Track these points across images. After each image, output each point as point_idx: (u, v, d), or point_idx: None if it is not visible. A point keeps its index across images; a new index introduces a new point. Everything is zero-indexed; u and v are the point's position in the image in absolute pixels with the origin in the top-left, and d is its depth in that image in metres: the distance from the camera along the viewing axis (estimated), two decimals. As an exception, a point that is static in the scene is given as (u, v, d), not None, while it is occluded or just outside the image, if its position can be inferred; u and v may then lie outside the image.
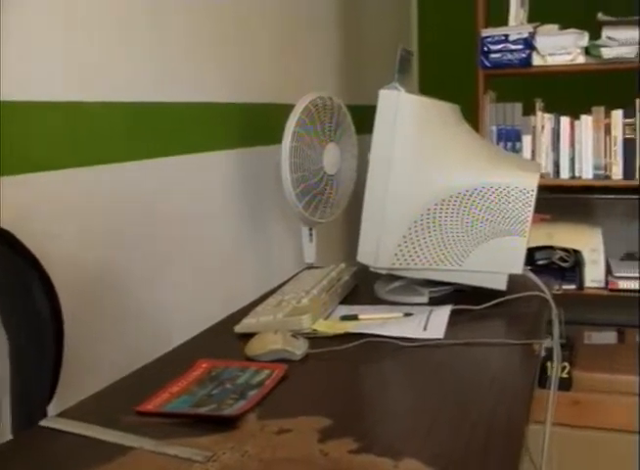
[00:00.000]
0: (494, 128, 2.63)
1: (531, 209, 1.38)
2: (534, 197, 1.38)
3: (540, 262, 2.52)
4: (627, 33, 2.51)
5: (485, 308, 1.36)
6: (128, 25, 1.40)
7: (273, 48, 1.99)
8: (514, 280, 1.42)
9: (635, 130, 2.52)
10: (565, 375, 2.47)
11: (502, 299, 1.37)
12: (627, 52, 2.50)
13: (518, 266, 1.39)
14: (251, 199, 1.86)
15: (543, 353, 2.54)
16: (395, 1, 3.47)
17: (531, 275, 1.42)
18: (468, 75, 2.69)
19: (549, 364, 2.48)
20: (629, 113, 2.53)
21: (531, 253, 2.52)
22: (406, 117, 1.37)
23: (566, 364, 2.47)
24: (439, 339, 1.21)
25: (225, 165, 1.73)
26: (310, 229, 1.82)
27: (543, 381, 2.48)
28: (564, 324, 2.71)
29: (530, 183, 1.38)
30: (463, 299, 1.40)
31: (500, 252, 1.39)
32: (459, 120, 1.52)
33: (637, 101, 2.53)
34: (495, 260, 1.39)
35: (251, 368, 1.10)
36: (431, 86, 3.62)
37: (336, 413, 0.96)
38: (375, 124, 1.39)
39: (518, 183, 1.37)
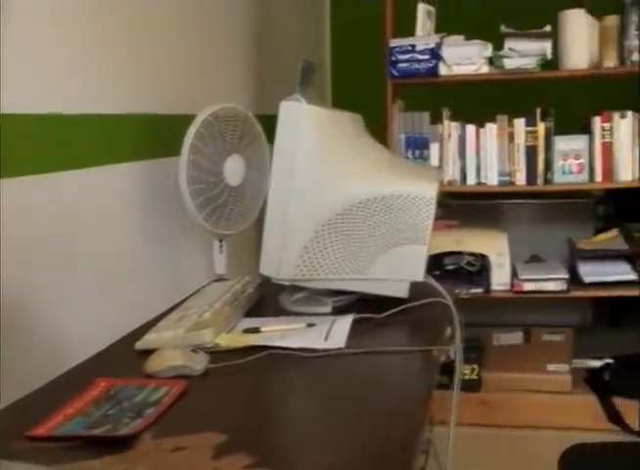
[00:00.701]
0: (403, 136, 2.68)
1: (431, 217, 1.41)
2: (434, 205, 1.41)
3: (449, 268, 2.58)
4: (528, 45, 2.61)
5: (388, 316, 1.38)
6: (25, 34, 1.36)
7: (182, 59, 1.97)
8: (418, 287, 1.45)
9: (537, 138, 2.61)
10: (474, 376, 2.53)
11: (403, 306, 1.40)
12: (528, 63, 2.60)
13: (419, 274, 1.42)
14: (160, 211, 1.83)
15: (453, 356, 2.60)
16: (309, 13, 3.50)
17: (433, 282, 1.45)
18: (379, 85, 2.74)
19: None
20: (531, 121, 2.63)
21: (440, 258, 2.58)
22: (307, 128, 1.39)
23: (475, 366, 2.54)
24: (340, 348, 1.22)
25: (134, 177, 1.71)
26: (221, 240, 1.81)
27: (454, 383, 2.54)
28: (471, 327, 2.78)
29: (430, 192, 1.41)
30: (366, 307, 1.42)
31: (401, 260, 1.41)
32: (361, 131, 1.54)
33: (538, 110, 2.63)
34: (397, 269, 1.41)
35: (149, 386, 1.09)
36: (344, 96, 3.67)
37: (234, 428, 0.96)
38: (276, 136, 1.40)
39: (418, 192, 1.40)
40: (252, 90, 2.58)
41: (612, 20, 2.59)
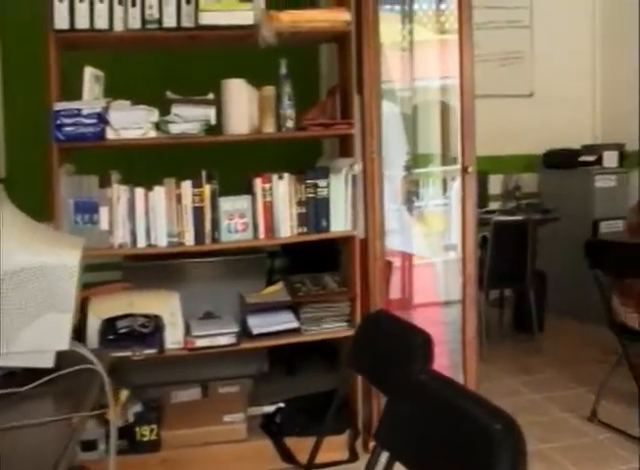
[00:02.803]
0: (71, 201, 2.65)
1: (75, 284, 1.43)
2: (77, 273, 1.43)
3: (122, 331, 2.57)
4: (193, 111, 2.75)
5: (33, 389, 1.36)
6: None
7: None
8: (73, 355, 1.45)
9: (203, 199, 2.74)
10: (153, 437, 2.54)
11: (49, 377, 1.38)
12: (192, 128, 2.73)
13: (64, 343, 1.42)
14: None
15: (132, 419, 2.61)
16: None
17: (82, 349, 1.46)
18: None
19: (138, 429, 2.55)
20: (197, 183, 2.75)
21: (113, 322, 2.57)
22: None
23: (154, 426, 2.55)
24: (-27, 429, 1.18)
25: None
26: None
27: (134, 446, 2.55)
28: (149, 388, 2.81)
29: (72, 260, 1.43)
30: (12, 381, 1.38)
31: (46, 330, 1.41)
32: (2, 201, 1.52)
33: (203, 173, 2.77)
34: (41, 339, 1.40)
35: None
36: (18, 161, 3.54)
37: None
38: None
39: (59, 261, 1.41)
40: None
41: (269, 90, 2.84)
